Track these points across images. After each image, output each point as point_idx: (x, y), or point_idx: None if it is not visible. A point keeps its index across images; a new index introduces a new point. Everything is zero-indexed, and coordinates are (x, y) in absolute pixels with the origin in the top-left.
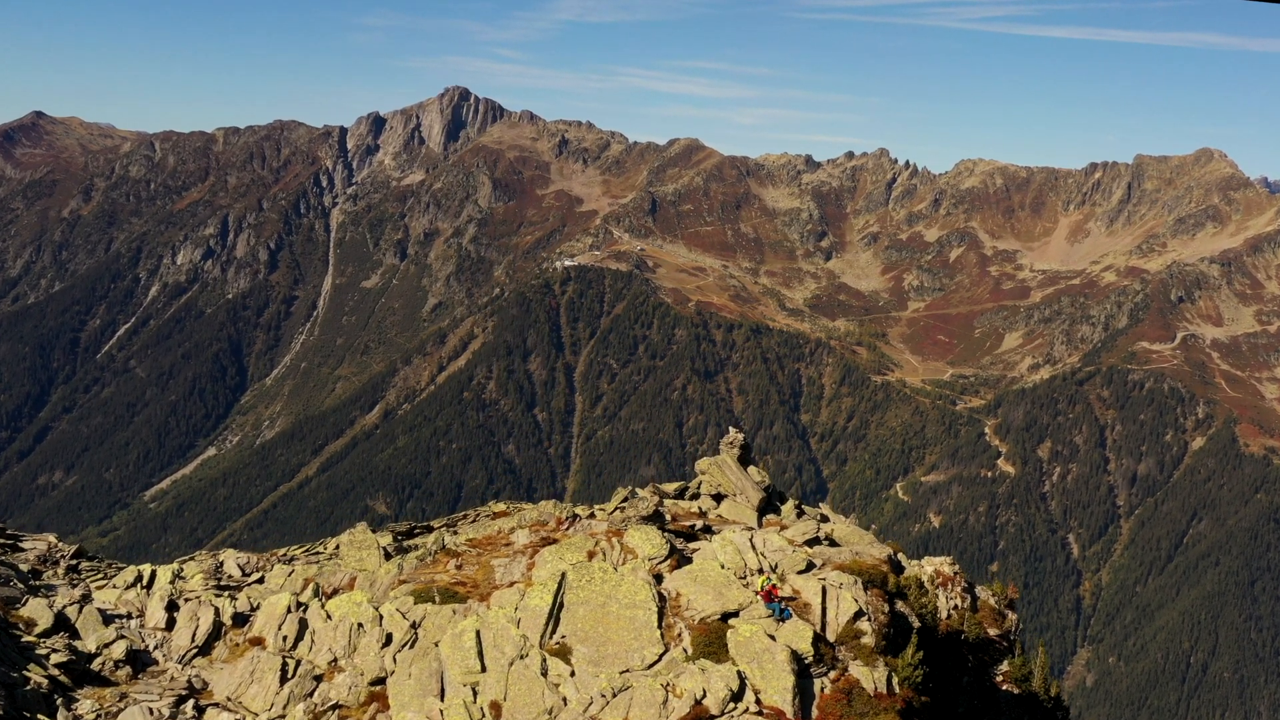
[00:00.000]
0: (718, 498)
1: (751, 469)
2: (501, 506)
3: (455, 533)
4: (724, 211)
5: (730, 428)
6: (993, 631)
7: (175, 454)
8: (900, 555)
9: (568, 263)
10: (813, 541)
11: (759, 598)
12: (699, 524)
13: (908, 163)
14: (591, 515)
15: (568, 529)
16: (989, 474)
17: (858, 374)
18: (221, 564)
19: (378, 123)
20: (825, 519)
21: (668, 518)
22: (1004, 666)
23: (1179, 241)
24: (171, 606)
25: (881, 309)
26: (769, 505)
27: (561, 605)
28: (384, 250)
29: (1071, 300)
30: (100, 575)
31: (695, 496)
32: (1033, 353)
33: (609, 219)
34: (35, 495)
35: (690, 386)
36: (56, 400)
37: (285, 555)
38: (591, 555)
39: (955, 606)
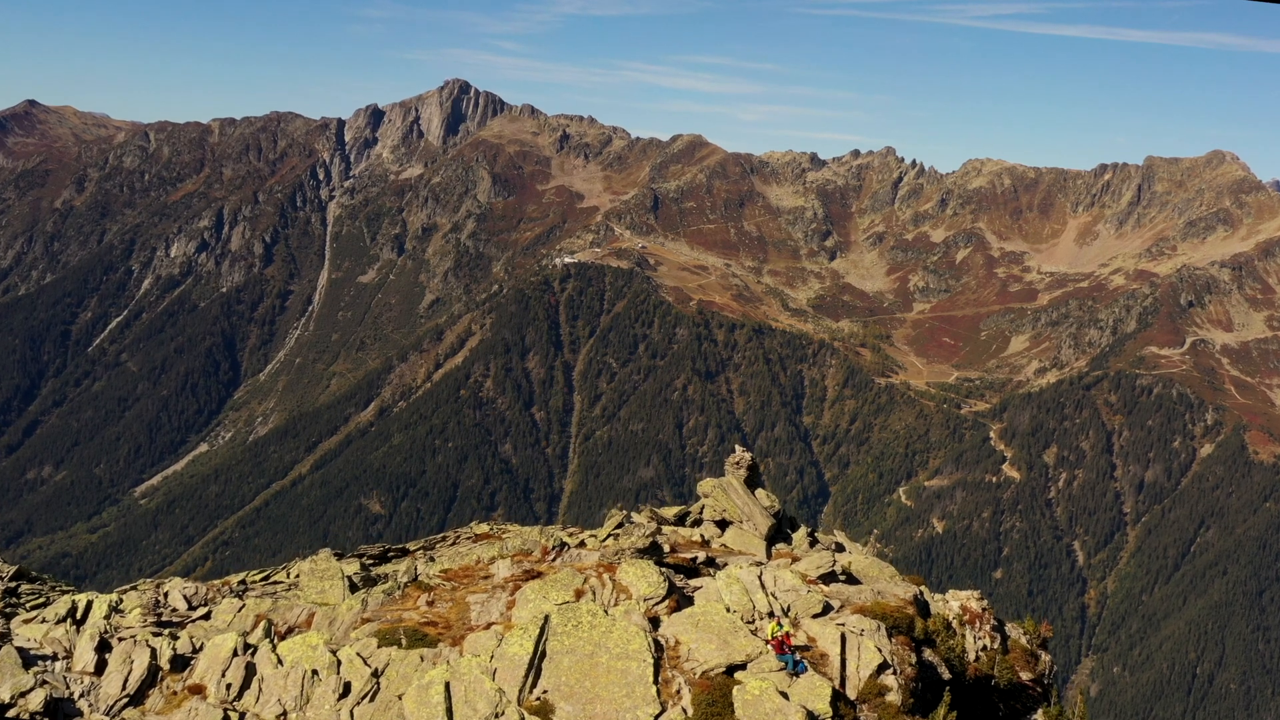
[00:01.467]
0: (722, 524)
1: (760, 492)
2: (484, 528)
3: (432, 559)
4: (727, 209)
5: (736, 446)
6: (1025, 676)
7: (167, 450)
8: (924, 590)
9: (568, 259)
10: (828, 577)
11: (770, 647)
12: (701, 555)
13: (914, 162)
14: (581, 544)
15: (554, 560)
16: (994, 479)
17: (861, 376)
18: (166, 595)
19: (376, 115)
20: (840, 548)
21: (666, 548)
22: (1038, 716)
23: (1189, 245)
24: (103, 646)
25: (886, 310)
26: (779, 533)
27: (544, 654)
28: (381, 245)
29: (1079, 303)
30: (40, 601)
31: (697, 523)
32: (1039, 356)
33: (610, 215)
34: (24, 490)
35: (691, 387)
36: (46, 394)
37: (239, 584)
38: (579, 594)
39: (984, 647)
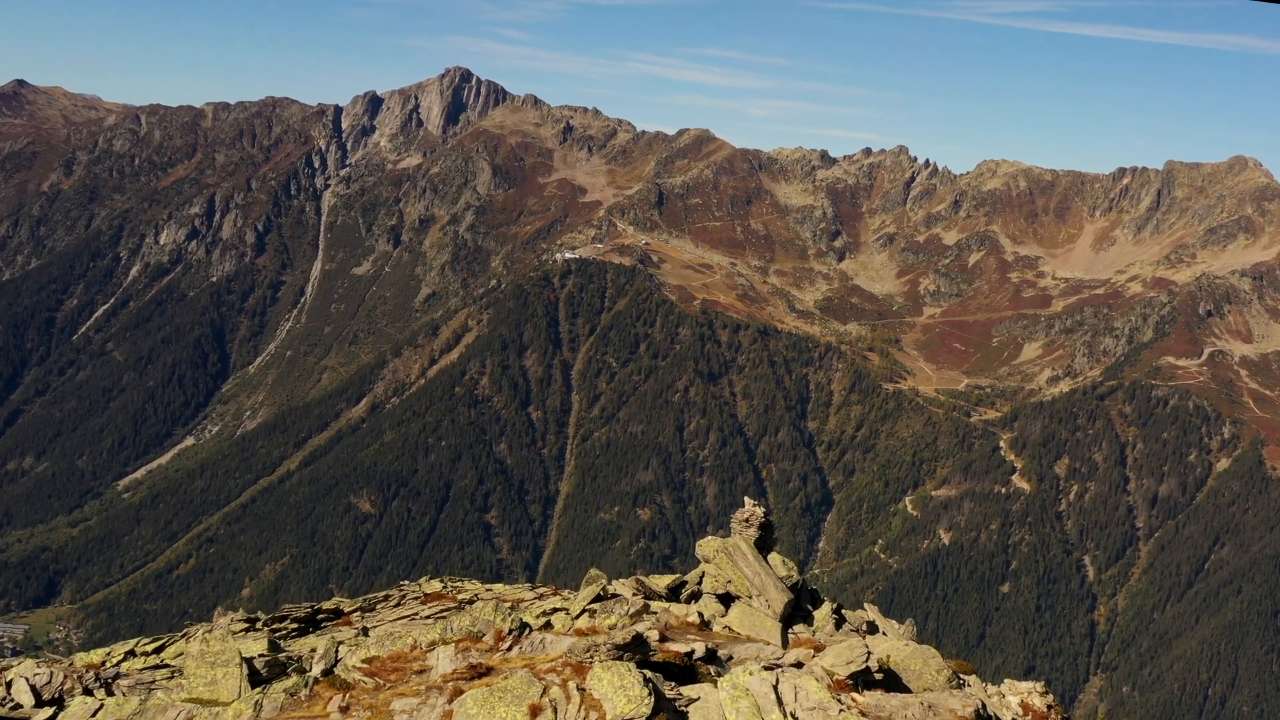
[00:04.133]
0: (726, 599)
1: (774, 558)
2: (436, 586)
3: (365, 632)
4: (734, 206)
5: (746, 499)
6: None
7: (152, 442)
8: (985, 702)
9: (568, 255)
10: (862, 676)
11: None
12: (699, 647)
13: (927, 161)
14: (548, 624)
15: (510, 649)
16: (1003, 490)
17: (868, 381)
18: (9, 685)
19: (374, 102)
20: (873, 628)
21: (654, 636)
22: None
23: (1209, 253)
24: None
25: (895, 313)
26: (796, 609)
27: None
28: (377, 236)
29: (1095, 311)
30: None
31: (695, 596)
32: (1052, 364)
33: (613, 210)
34: (4, 482)
35: (693, 389)
36: (29, 382)
37: (112, 666)
38: (535, 711)
39: None
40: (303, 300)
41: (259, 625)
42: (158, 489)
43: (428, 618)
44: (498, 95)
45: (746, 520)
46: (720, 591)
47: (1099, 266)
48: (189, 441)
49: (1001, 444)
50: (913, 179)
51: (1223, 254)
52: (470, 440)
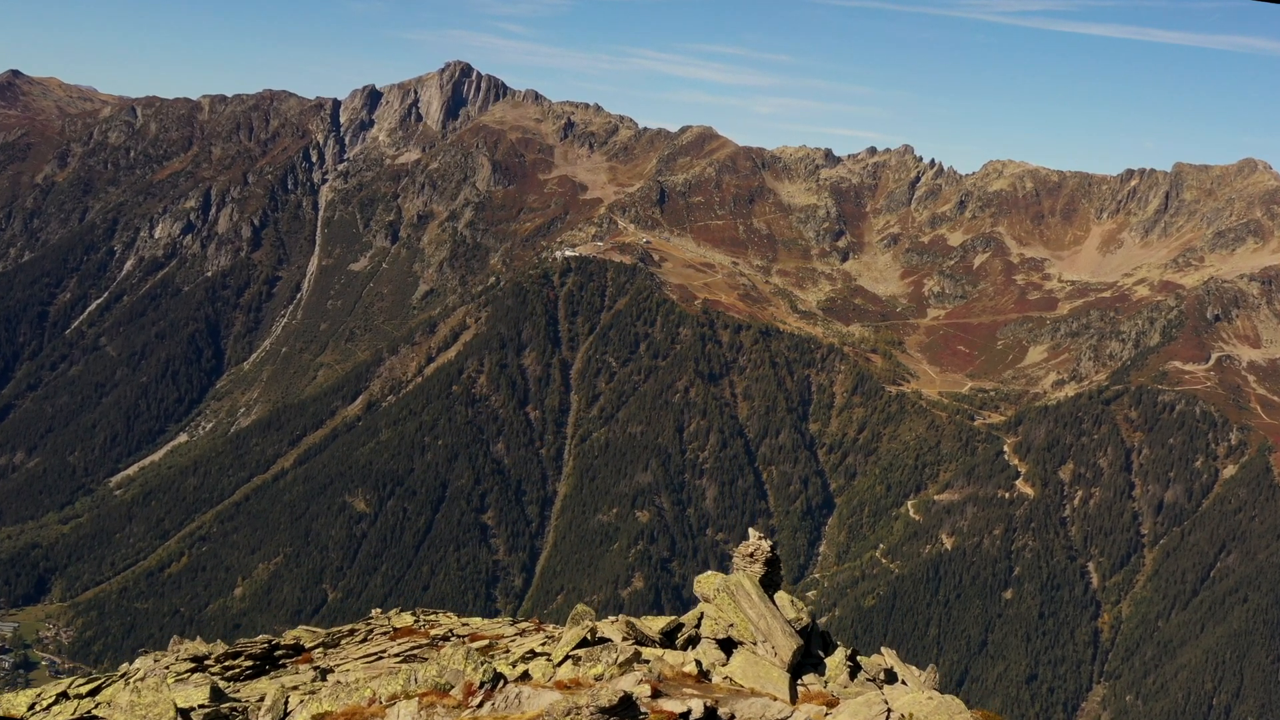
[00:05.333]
0: (727, 645)
1: (782, 598)
2: (408, 619)
3: (323, 675)
4: (736, 205)
5: (750, 530)
6: None
7: (144, 439)
8: None
9: (568, 253)
10: None
11: None
12: (696, 704)
13: (933, 161)
14: (525, 675)
15: (480, 706)
16: (1006, 495)
17: (871, 383)
18: None
19: (373, 96)
20: (891, 676)
21: (647, 691)
22: None
23: (1217, 256)
24: None
25: (899, 315)
26: (806, 656)
27: None
28: (374, 232)
29: (1101, 314)
30: None
31: (693, 641)
32: (1058, 368)
33: (614, 208)
34: None
35: (693, 389)
36: (21, 377)
37: (40, 711)
38: None
39: None
40: (299, 296)
41: (209, 663)
42: (150, 486)
43: (396, 656)
44: (498, 90)
45: (751, 555)
46: (721, 636)
47: (1106, 269)
48: (182, 438)
49: (1005, 448)
50: (918, 179)
51: (1231, 258)
52: (467, 440)
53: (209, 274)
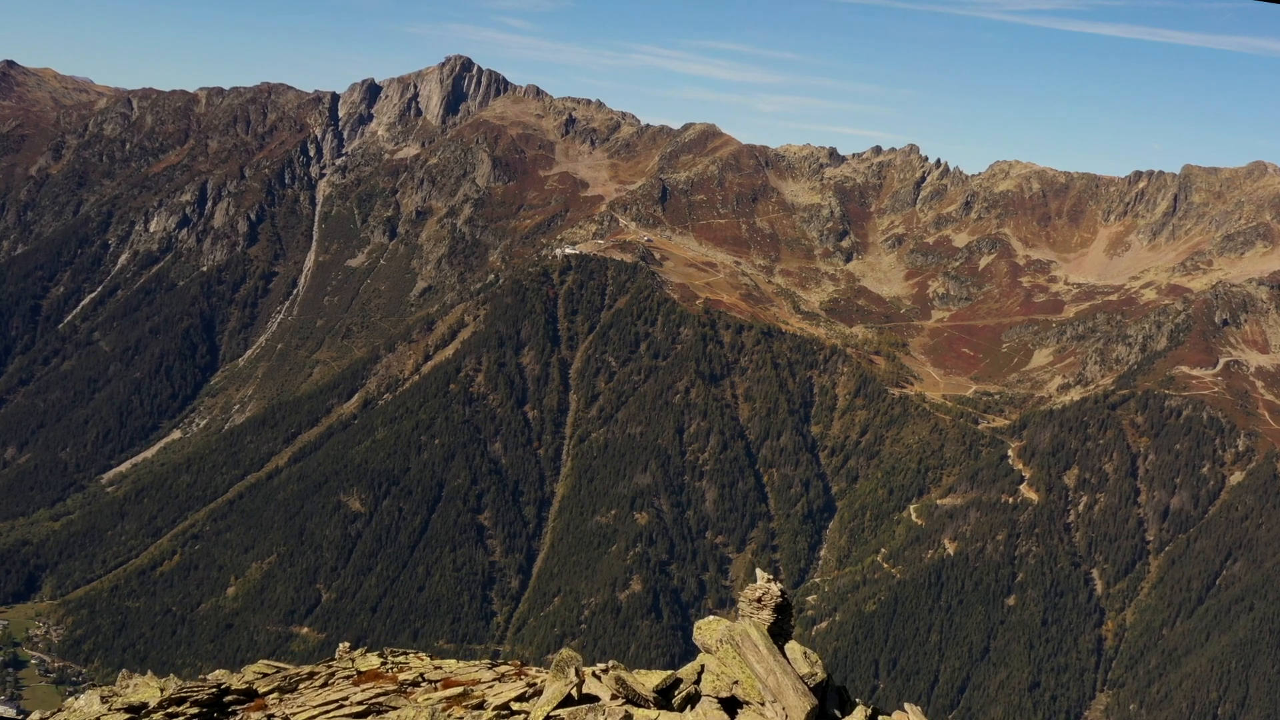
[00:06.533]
0: (731, 705)
1: (794, 648)
2: (374, 661)
3: None
4: (739, 204)
5: (758, 570)
6: None
7: (137, 435)
8: None
9: (569, 250)
10: None
11: None
12: None
13: (939, 161)
14: None
15: None
16: (1010, 500)
17: (874, 385)
18: None
19: (372, 90)
20: None
21: None
22: None
23: (1226, 260)
24: None
25: (903, 317)
26: (821, 717)
27: None
28: (372, 227)
29: (1107, 318)
30: None
31: (692, 700)
32: (1063, 372)
33: (615, 205)
34: None
35: (694, 390)
36: (13, 371)
37: None
38: None
39: None
40: (295, 292)
41: (148, 714)
42: (142, 483)
43: (359, 704)
44: (499, 85)
45: (759, 600)
46: (724, 694)
47: (1113, 272)
48: (175, 435)
49: (1009, 452)
50: (923, 179)
51: (1240, 262)
52: (464, 439)
53: (204, 269)
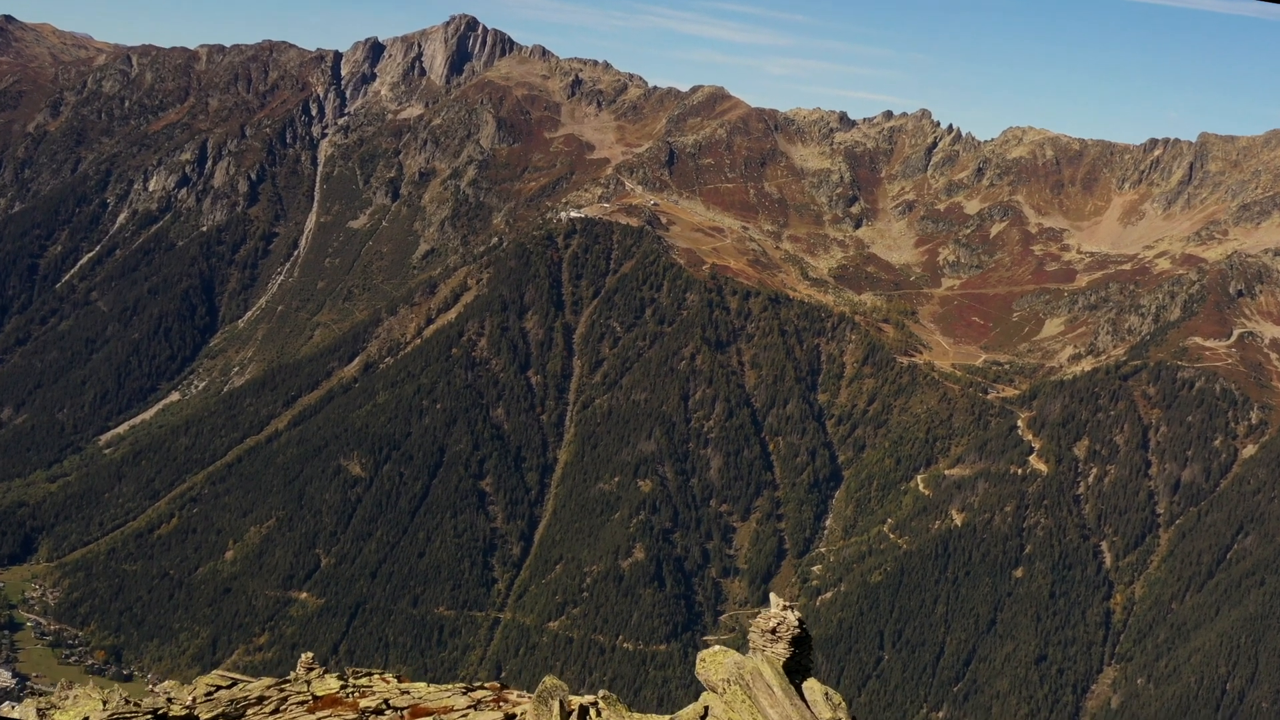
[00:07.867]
0: None
1: (814, 688)
2: (333, 685)
3: None
4: (747, 168)
5: (772, 596)
6: None
7: (135, 397)
8: None
9: (574, 214)
10: None
11: None
12: None
13: (950, 127)
14: None
15: None
16: (1019, 471)
17: (882, 353)
18: None
19: (376, 49)
20: None
21: None
22: None
23: (1241, 230)
24: None
25: (913, 284)
26: None
27: None
28: (374, 189)
29: (1120, 287)
30: None
31: None
32: (1074, 342)
33: (621, 169)
34: None
35: (699, 357)
36: (10, 331)
37: None
38: None
39: None
40: (296, 253)
41: None
42: (140, 445)
43: None
44: (504, 45)
45: (773, 631)
46: None
47: (1126, 241)
48: (174, 397)
49: (1019, 423)
50: (935, 144)
51: (1256, 231)
52: (466, 404)
53: (204, 229)
